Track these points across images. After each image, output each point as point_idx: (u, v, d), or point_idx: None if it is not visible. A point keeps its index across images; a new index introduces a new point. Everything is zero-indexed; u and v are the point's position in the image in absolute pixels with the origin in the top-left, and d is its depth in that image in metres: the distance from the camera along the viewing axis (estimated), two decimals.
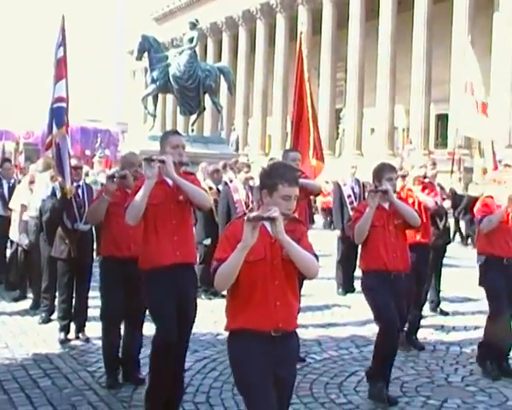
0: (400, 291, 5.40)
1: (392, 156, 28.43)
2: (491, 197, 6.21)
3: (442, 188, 8.22)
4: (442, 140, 32.70)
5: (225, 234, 3.56)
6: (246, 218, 3.30)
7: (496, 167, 9.04)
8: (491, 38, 28.05)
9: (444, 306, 8.75)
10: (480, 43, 27.80)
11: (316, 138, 8.33)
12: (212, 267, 3.40)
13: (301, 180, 5.63)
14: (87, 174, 19.83)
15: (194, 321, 5.00)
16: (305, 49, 8.83)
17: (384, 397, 5.29)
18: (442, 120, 32.96)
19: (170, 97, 36.75)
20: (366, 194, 7.48)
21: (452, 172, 11.68)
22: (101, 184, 9.82)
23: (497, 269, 6.06)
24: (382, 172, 5.49)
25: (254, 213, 3.35)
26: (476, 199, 7.05)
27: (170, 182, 4.81)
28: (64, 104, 6.74)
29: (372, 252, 5.35)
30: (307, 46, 31.07)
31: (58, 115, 6.71)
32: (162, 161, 4.69)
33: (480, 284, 6.30)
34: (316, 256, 3.49)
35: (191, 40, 21.35)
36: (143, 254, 4.87)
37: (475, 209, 6.38)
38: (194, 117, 22.61)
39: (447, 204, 8.11)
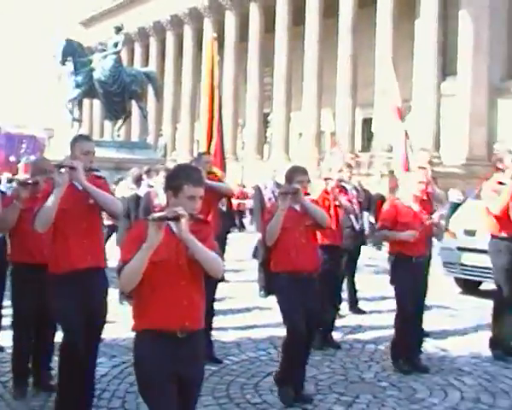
0: (311, 292, 5.46)
1: (320, 160, 28.83)
2: (398, 199, 6.42)
3: (358, 190, 8.40)
4: (369, 144, 33.28)
5: (130, 235, 3.58)
6: (150, 217, 3.30)
7: (406, 168, 9.25)
8: (414, 41, 28.87)
9: (361, 305, 8.96)
10: (402, 47, 28.59)
11: (217, 146, 8.27)
12: (117, 268, 3.41)
13: (209, 182, 5.67)
14: (11, 181, 19.34)
15: (103, 325, 4.93)
16: (217, 55, 8.75)
17: (290, 399, 5.35)
18: (368, 124, 33.58)
19: (97, 102, 36.30)
20: None
21: (368, 174, 12.00)
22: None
23: (406, 268, 6.25)
24: (294, 174, 5.54)
25: (159, 214, 3.37)
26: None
27: (79, 186, 4.77)
28: None
29: (282, 253, 5.40)
30: (234, 51, 31.38)
31: None
32: (73, 168, 4.67)
33: (391, 282, 6.51)
34: (221, 256, 3.55)
35: (116, 45, 21.24)
36: (52, 258, 4.81)
37: (382, 209, 6.58)
38: (120, 122, 22.46)
39: (366, 216, 8.33)
